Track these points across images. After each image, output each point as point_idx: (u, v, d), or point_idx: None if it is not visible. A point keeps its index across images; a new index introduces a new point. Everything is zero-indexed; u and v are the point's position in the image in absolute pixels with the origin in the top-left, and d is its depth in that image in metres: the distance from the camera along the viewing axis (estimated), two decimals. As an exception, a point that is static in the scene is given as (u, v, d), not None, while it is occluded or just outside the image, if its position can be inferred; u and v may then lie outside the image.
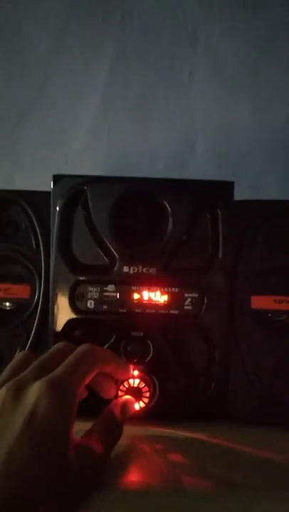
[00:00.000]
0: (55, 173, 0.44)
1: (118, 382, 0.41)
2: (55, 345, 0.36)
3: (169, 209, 0.42)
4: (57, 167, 0.67)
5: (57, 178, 0.43)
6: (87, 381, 0.34)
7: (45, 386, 0.30)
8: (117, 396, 0.41)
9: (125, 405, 0.38)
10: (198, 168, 0.71)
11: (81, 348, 0.35)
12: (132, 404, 0.40)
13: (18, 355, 0.36)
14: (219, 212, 0.42)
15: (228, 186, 0.42)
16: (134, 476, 0.34)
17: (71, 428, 0.31)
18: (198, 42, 0.70)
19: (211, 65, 0.70)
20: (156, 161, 0.71)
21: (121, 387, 0.42)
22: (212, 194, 0.42)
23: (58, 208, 0.43)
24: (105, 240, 0.42)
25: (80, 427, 0.34)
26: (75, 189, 0.42)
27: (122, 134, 0.71)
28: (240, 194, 0.45)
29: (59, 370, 0.32)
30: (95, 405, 0.41)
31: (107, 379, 0.39)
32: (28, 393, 0.30)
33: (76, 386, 0.32)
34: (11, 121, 0.71)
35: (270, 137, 0.71)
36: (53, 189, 0.43)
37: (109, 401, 0.39)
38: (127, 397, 0.40)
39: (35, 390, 0.30)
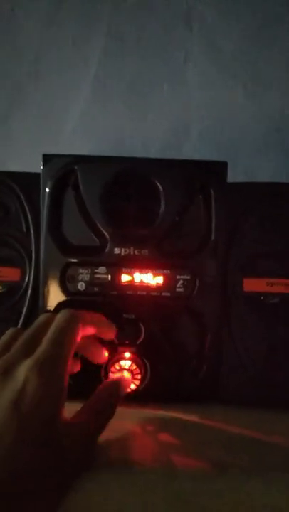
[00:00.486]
0: None
1: (109, 365, 0.41)
2: (38, 319, 0.35)
3: (161, 189, 0.41)
4: (49, 151, 0.66)
5: (47, 158, 0.42)
6: (74, 349, 0.33)
7: (33, 367, 0.30)
8: (107, 374, 0.41)
9: (119, 384, 0.37)
10: (193, 153, 0.71)
11: (61, 316, 0.34)
12: (127, 382, 0.39)
13: (8, 332, 0.35)
14: (212, 193, 0.41)
15: (221, 166, 0.41)
16: (125, 457, 0.34)
17: (61, 409, 0.30)
18: (194, 24, 0.69)
19: (207, 49, 0.69)
20: (150, 146, 0.70)
21: (112, 368, 0.41)
22: (205, 174, 0.41)
23: (47, 189, 0.42)
24: (96, 221, 0.42)
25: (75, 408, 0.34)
26: (65, 169, 0.41)
27: (116, 118, 0.70)
28: (234, 179, 0.45)
29: (44, 345, 0.32)
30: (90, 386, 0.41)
31: (94, 342, 0.39)
32: (16, 374, 0.30)
33: (65, 360, 0.31)
34: (3, 105, 0.70)
35: (264, 122, 0.70)
36: (42, 169, 0.42)
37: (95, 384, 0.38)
38: (124, 374, 0.40)
39: (23, 372, 0.30)
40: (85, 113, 0.70)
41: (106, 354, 0.40)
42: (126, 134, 0.70)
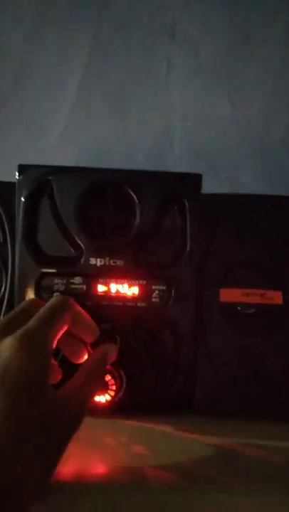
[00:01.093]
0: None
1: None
2: (25, 301, 0.35)
3: (136, 200, 0.41)
4: (32, 159, 0.66)
5: (22, 168, 0.42)
6: (60, 332, 0.33)
7: (16, 341, 0.29)
8: None
9: (107, 351, 0.37)
10: (176, 162, 0.71)
11: (55, 298, 0.34)
12: (114, 350, 0.38)
13: None
14: (187, 205, 0.41)
15: (195, 178, 0.42)
16: (96, 469, 0.34)
17: (47, 380, 0.30)
18: (176, 33, 0.70)
19: (189, 57, 0.70)
20: (133, 155, 0.70)
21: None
22: (180, 186, 0.42)
23: (22, 199, 0.42)
24: (72, 231, 0.42)
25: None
26: (41, 179, 0.41)
27: (100, 128, 0.71)
28: (218, 187, 0.45)
29: (31, 323, 0.31)
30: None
31: (77, 341, 0.38)
32: (1, 349, 0.29)
33: (51, 339, 0.31)
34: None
35: (248, 130, 0.71)
36: (18, 179, 0.42)
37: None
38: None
39: (6, 346, 0.29)
40: (69, 121, 0.70)
41: (86, 356, 0.40)
42: (110, 145, 0.71)
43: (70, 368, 0.36)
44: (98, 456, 0.35)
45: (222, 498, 0.32)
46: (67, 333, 0.36)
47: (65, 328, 0.34)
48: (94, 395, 0.33)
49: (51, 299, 0.34)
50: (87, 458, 0.35)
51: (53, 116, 0.70)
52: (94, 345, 0.41)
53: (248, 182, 0.71)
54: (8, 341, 0.30)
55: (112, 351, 0.37)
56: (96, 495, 0.31)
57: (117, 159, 0.70)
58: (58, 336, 0.33)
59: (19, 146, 0.70)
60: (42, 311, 0.33)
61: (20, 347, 0.29)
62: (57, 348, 0.34)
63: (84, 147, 0.71)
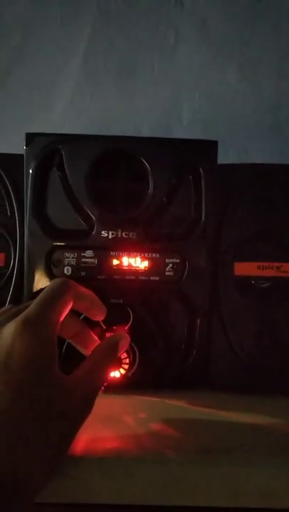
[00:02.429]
0: None
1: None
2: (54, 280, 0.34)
3: (150, 169, 0.40)
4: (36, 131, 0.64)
5: (30, 137, 0.40)
6: (63, 315, 0.32)
7: (20, 325, 0.28)
8: None
9: (119, 338, 0.35)
10: (184, 135, 0.69)
11: (54, 281, 0.33)
12: (127, 339, 0.37)
13: None
14: (202, 173, 0.40)
15: (211, 145, 0.40)
16: (115, 444, 0.34)
17: (54, 365, 0.29)
18: (184, 2, 0.67)
19: (198, 27, 0.67)
20: (140, 128, 0.68)
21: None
22: (195, 154, 0.40)
23: (31, 170, 0.40)
24: (82, 203, 0.40)
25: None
26: (49, 148, 0.40)
27: (105, 101, 0.68)
28: (226, 160, 0.43)
29: (32, 306, 0.30)
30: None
31: (88, 332, 0.37)
32: (4, 335, 0.28)
33: (54, 323, 0.30)
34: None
35: (258, 102, 0.69)
36: (25, 149, 0.40)
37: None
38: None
39: (9, 331, 0.28)
40: (73, 93, 0.68)
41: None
42: (116, 118, 0.68)
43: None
44: (117, 432, 0.35)
45: (238, 471, 0.31)
46: (77, 324, 0.35)
47: (68, 310, 0.33)
48: (103, 384, 0.32)
49: (50, 282, 0.33)
50: (105, 434, 0.34)
51: (57, 90, 0.68)
52: (107, 322, 0.40)
53: (258, 155, 0.69)
54: (11, 326, 0.29)
55: (124, 341, 0.36)
56: (114, 469, 0.31)
57: (123, 132, 0.68)
58: (61, 319, 0.32)
59: (23, 121, 0.68)
60: (42, 294, 0.31)
61: (24, 331, 0.28)
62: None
63: (89, 120, 0.69)
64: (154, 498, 0.31)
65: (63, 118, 0.68)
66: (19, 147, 0.62)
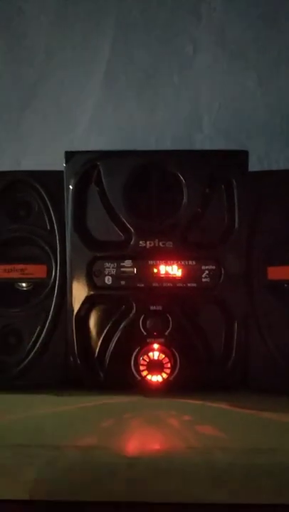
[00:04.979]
0: (61, 154, 0.43)
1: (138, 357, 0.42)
2: None
3: (183, 181, 0.41)
4: (63, 149, 0.66)
5: (69, 155, 0.42)
6: None
7: None
8: (137, 366, 0.41)
9: None
10: (206, 144, 0.70)
11: None
12: None
13: None
14: (234, 182, 0.41)
15: (241, 155, 0.41)
16: (163, 447, 0.35)
17: None
18: (202, 11, 0.68)
19: (215, 38, 0.68)
20: (163, 138, 0.70)
21: (141, 361, 0.42)
22: (226, 164, 0.41)
23: (71, 186, 0.43)
24: (120, 215, 0.42)
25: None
26: (88, 165, 0.42)
27: (127, 114, 0.70)
28: (250, 167, 0.45)
29: None
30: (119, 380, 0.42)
31: None
32: None
33: None
34: (15, 104, 0.70)
35: (278, 109, 0.70)
36: (65, 166, 0.43)
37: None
38: None
39: None
40: (96, 109, 0.70)
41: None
42: (137, 130, 0.70)
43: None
44: (163, 434, 0.36)
45: (284, 469, 0.32)
46: None
47: None
48: None
49: None
50: (152, 435, 0.36)
51: (81, 104, 0.70)
52: (147, 328, 0.42)
53: (280, 161, 0.70)
54: None
55: None
56: (166, 469, 0.32)
57: (145, 144, 0.70)
58: None
59: (50, 138, 0.71)
60: None
61: None
62: None
63: (112, 134, 0.71)
64: (205, 497, 0.32)
65: (88, 133, 0.70)
66: (47, 162, 0.64)
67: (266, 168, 0.67)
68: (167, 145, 0.69)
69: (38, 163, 0.67)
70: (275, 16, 0.68)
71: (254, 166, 0.68)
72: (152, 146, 0.69)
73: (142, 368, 0.42)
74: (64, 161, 0.43)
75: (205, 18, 0.69)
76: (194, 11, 0.68)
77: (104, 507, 0.33)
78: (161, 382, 0.42)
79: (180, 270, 0.42)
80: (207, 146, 0.69)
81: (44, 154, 0.69)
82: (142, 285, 0.43)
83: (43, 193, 0.47)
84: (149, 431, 0.36)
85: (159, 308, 0.42)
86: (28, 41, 0.70)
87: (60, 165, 0.44)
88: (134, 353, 0.42)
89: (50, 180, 0.46)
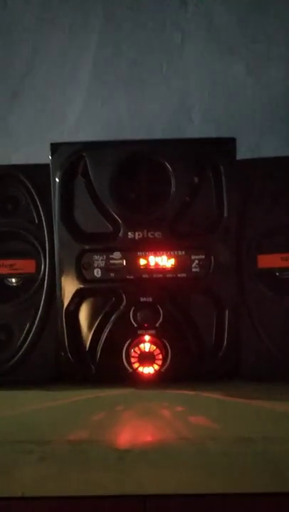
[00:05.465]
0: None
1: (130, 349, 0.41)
2: None
3: (171, 170, 0.41)
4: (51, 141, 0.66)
5: (54, 147, 0.42)
6: None
7: None
8: (129, 358, 0.41)
9: None
10: (196, 133, 0.70)
11: None
12: None
13: None
14: (222, 170, 0.41)
15: (229, 143, 0.41)
16: (157, 438, 0.35)
17: None
18: (189, 1, 0.67)
19: (203, 26, 0.68)
20: (152, 129, 0.69)
21: (133, 353, 0.42)
22: (214, 152, 0.41)
23: (57, 179, 0.42)
24: (108, 206, 0.42)
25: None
26: (74, 156, 0.41)
27: (116, 105, 0.69)
28: (240, 156, 0.44)
29: None
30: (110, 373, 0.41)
31: None
32: None
33: None
34: (4, 98, 0.69)
35: (267, 96, 0.69)
36: (51, 159, 0.42)
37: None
38: None
39: None
40: (85, 100, 0.69)
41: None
42: (127, 121, 0.70)
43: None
44: (155, 426, 0.36)
45: (278, 457, 0.32)
46: None
47: None
48: None
49: None
50: (143, 427, 0.36)
51: (68, 97, 0.69)
52: (138, 320, 0.42)
53: (270, 149, 0.69)
54: None
55: None
56: (158, 461, 0.32)
57: (135, 135, 0.69)
58: None
59: (38, 130, 0.70)
60: None
61: None
62: None
63: (102, 125, 0.70)
64: (199, 487, 0.32)
65: (77, 124, 0.70)
66: (37, 156, 0.63)
67: (256, 157, 0.67)
68: (157, 135, 0.69)
69: (28, 158, 0.67)
70: (264, 4, 0.67)
71: (244, 154, 0.68)
72: (142, 136, 0.69)
73: (133, 360, 0.42)
74: (49, 154, 0.42)
75: (192, 7, 0.68)
76: (181, 0, 0.67)
77: (97, 500, 0.33)
78: (152, 374, 0.42)
79: (170, 261, 0.42)
80: (197, 136, 0.69)
81: (33, 149, 0.69)
82: (132, 277, 0.42)
83: (30, 187, 0.46)
84: (141, 423, 0.36)
85: (150, 299, 0.42)
86: (15, 35, 0.69)
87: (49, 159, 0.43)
88: (126, 346, 0.42)
89: (37, 174, 0.46)
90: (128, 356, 0.42)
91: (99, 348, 0.43)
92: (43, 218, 0.46)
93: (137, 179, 0.42)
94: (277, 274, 0.46)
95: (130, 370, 0.42)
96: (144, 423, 0.36)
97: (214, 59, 0.68)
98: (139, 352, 0.42)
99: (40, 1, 0.68)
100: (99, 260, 0.42)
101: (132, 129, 0.69)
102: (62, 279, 0.43)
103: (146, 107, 0.69)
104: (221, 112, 0.69)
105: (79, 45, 0.68)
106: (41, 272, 0.46)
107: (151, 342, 0.42)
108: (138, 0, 0.68)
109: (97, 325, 0.43)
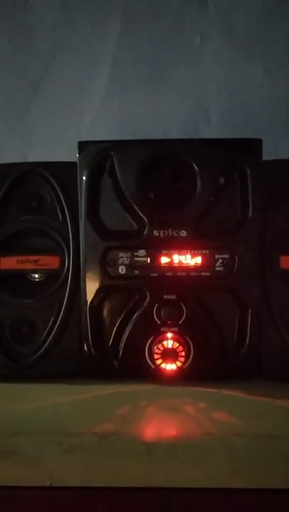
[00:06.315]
0: (68, 146, 0.43)
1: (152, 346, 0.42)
2: None
3: (197, 170, 0.41)
4: (70, 140, 0.66)
5: (82, 145, 0.42)
6: None
7: None
8: (151, 355, 0.42)
9: None
10: (213, 134, 0.70)
11: None
12: None
13: None
14: (248, 171, 0.41)
15: (256, 144, 0.41)
16: (179, 431, 0.35)
17: None
18: (208, 2, 0.68)
19: (222, 29, 0.68)
20: (170, 129, 0.70)
21: (156, 350, 0.42)
22: (240, 153, 0.41)
23: (84, 177, 0.43)
24: (133, 204, 0.42)
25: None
26: (101, 155, 0.42)
27: (134, 104, 0.70)
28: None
29: None
30: (133, 368, 0.42)
31: None
32: None
33: None
34: (22, 97, 0.70)
35: (285, 100, 0.69)
36: (78, 157, 0.43)
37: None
38: None
39: None
40: (103, 98, 0.70)
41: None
42: (145, 121, 0.70)
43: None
44: (180, 421, 0.37)
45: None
46: None
47: None
48: None
49: None
50: (169, 421, 0.36)
51: (87, 96, 0.70)
52: (161, 317, 0.42)
53: (288, 151, 0.69)
54: None
55: None
56: (184, 455, 0.32)
57: (152, 135, 0.70)
58: None
59: (56, 128, 0.71)
60: None
61: None
62: None
63: (119, 123, 0.71)
64: (223, 482, 0.32)
65: (95, 125, 0.70)
66: (55, 153, 0.64)
67: (274, 158, 0.67)
68: (174, 136, 0.69)
69: (45, 156, 0.68)
70: (282, 8, 0.68)
71: (263, 156, 0.69)
72: (158, 137, 0.69)
73: (156, 356, 0.42)
74: (77, 152, 0.43)
75: (212, 8, 0.68)
76: (201, 0, 0.68)
77: (123, 491, 0.33)
78: (175, 371, 0.42)
79: (194, 259, 0.43)
80: (214, 137, 0.69)
81: (51, 147, 0.70)
82: (156, 274, 0.43)
83: (55, 184, 0.47)
84: (166, 418, 0.37)
85: (173, 297, 0.43)
86: (35, 33, 0.69)
87: (67, 156, 0.44)
88: (148, 342, 0.43)
89: (61, 171, 0.46)
90: (151, 353, 0.43)
91: (122, 344, 0.43)
92: (67, 215, 0.46)
93: (162, 178, 0.42)
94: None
95: (153, 367, 0.43)
96: (169, 418, 0.37)
97: (232, 60, 0.69)
98: (162, 349, 0.42)
99: (61, 1, 0.69)
100: (124, 257, 0.43)
101: (148, 128, 0.70)
102: (87, 275, 0.43)
103: (164, 107, 0.70)
104: (238, 114, 0.70)
105: (98, 43, 0.69)
106: (65, 268, 0.46)
107: (174, 339, 0.42)
108: (157, 0, 0.68)
109: (121, 321, 0.44)
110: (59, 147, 0.69)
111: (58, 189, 0.47)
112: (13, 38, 0.69)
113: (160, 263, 0.43)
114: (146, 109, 0.70)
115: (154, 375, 0.43)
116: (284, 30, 0.68)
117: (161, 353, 0.42)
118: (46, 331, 0.46)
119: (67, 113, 0.70)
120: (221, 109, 0.70)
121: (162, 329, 0.43)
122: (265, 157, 0.68)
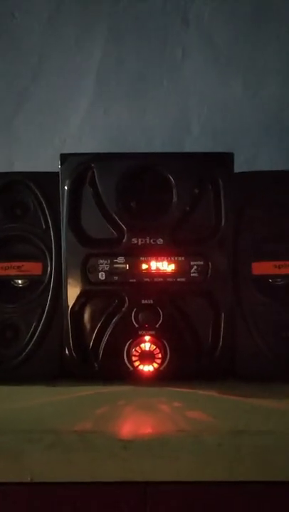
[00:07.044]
0: (53, 154, 0.45)
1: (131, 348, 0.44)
2: None
3: (173, 182, 0.44)
4: (55, 150, 0.68)
5: (64, 157, 0.44)
6: None
7: None
8: (130, 357, 0.44)
9: None
10: (195, 146, 0.73)
11: None
12: None
13: None
14: (221, 183, 0.44)
15: (228, 157, 0.44)
16: (154, 429, 0.37)
17: None
18: (190, 19, 0.71)
19: (203, 43, 0.71)
20: (153, 140, 0.72)
21: (134, 352, 0.44)
22: (213, 165, 0.44)
23: (66, 187, 0.45)
24: (113, 214, 0.44)
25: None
26: (82, 167, 0.44)
27: (118, 116, 0.72)
28: (237, 168, 0.47)
29: None
30: (112, 370, 0.44)
31: None
32: None
33: None
34: (8, 107, 0.72)
35: (264, 111, 0.72)
36: (60, 168, 0.45)
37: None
38: None
39: None
40: (88, 110, 0.72)
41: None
42: (128, 132, 0.72)
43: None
44: (155, 419, 0.39)
45: (270, 449, 0.34)
46: None
47: None
48: None
49: None
50: (144, 420, 0.38)
51: (72, 106, 0.72)
52: (139, 321, 0.44)
53: (266, 162, 0.72)
54: None
55: None
56: (160, 450, 0.34)
57: (135, 146, 0.72)
58: None
59: (42, 137, 0.72)
60: None
61: None
62: None
63: (103, 135, 0.73)
64: (195, 475, 0.34)
65: (79, 134, 0.72)
66: (40, 162, 0.66)
67: (252, 169, 0.70)
68: (157, 146, 0.72)
69: (31, 164, 0.69)
70: (261, 22, 0.71)
71: (241, 166, 0.71)
72: (142, 147, 0.72)
73: (134, 358, 0.44)
74: (59, 163, 0.45)
75: (193, 24, 0.71)
76: (183, 17, 0.71)
77: (101, 486, 0.35)
78: (152, 372, 0.44)
79: (170, 266, 0.45)
80: (196, 148, 0.72)
81: (37, 156, 0.72)
82: (134, 280, 0.45)
83: (38, 193, 0.49)
84: (142, 416, 0.39)
85: (150, 302, 0.45)
86: (22, 45, 0.71)
87: (52, 166, 0.46)
88: (127, 345, 0.45)
89: (45, 181, 0.48)
90: (129, 355, 0.44)
91: (102, 347, 0.45)
92: (50, 223, 0.48)
93: (141, 189, 0.45)
94: (270, 280, 0.49)
95: (131, 368, 0.45)
96: (145, 416, 0.39)
97: (213, 74, 0.72)
98: (139, 351, 0.44)
99: (47, 13, 0.71)
100: (103, 264, 0.45)
101: (132, 139, 0.72)
102: (69, 281, 0.45)
103: (147, 118, 0.72)
104: (219, 125, 0.73)
105: (83, 56, 0.71)
106: (47, 274, 0.48)
107: (152, 342, 0.45)
108: (141, 15, 0.71)
109: (100, 325, 0.46)
110: (44, 155, 0.71)
111: (41, 198, 0.49)
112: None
113: (138, 269, 0.45)
114: (130, 121, 0.72)
115: (132, 377, 0.45)
116: (261, 45, 0.71)
117: (139, 356, 0.44)
118: (29, 334, 0.47)
119: (52, 124, 0.72)
120: (202, 120, 0.72)
121: (140, 332, 0.45)
122: (244, 167, 0.71)
